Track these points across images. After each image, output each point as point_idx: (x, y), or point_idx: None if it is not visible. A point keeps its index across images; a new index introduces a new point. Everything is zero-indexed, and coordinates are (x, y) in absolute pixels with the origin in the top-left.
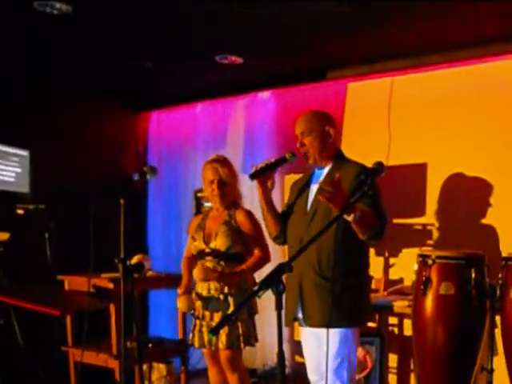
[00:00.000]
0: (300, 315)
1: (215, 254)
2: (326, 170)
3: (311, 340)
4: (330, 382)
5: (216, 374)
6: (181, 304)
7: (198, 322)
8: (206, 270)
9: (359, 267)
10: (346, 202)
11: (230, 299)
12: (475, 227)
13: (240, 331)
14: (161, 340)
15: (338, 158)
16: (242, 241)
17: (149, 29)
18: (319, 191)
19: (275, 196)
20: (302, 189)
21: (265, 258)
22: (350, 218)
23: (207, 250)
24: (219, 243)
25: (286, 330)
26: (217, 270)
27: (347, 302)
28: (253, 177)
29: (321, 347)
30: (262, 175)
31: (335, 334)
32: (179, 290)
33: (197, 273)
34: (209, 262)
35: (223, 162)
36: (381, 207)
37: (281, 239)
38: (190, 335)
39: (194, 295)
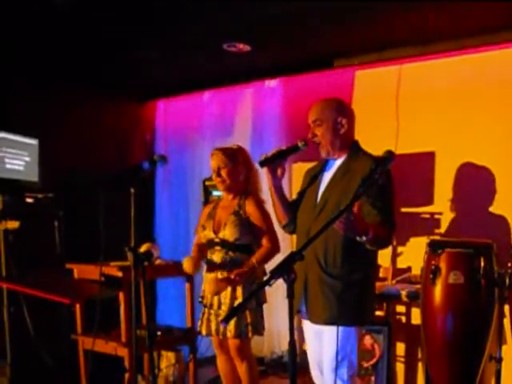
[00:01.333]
0: (303, 309)
1: (223, 244)
2: (339, 162)
3: (312, 335)
4: (330, 380)
5: (224, 362)
6: (185, 264)
7: (206, 310)
8: (216, 283)
9: (365, 265)
10: (362, 226)
11: (239, 289)
12: (484, 216)
13: (248, 320)
14: (169, 328)
15: (353, 150)
16: (251, 231)
17: (156, 17)
18: (339, 221)
19: (283, 184)
20: (313, 179)
21: (274, 249)
22: (363, 239)
23: (216, 240)
24: (228, 233)
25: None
26: (225, 279)
27: (351, 300)
28: (262, 164)
29: (321, 344)
30: (272, 163)
31: (334, 331)
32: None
33: (208, 287)
34: (216, 254)
35: (224, 149)
36: (391, 208)
37: (290, 228)
38: (199, 323)
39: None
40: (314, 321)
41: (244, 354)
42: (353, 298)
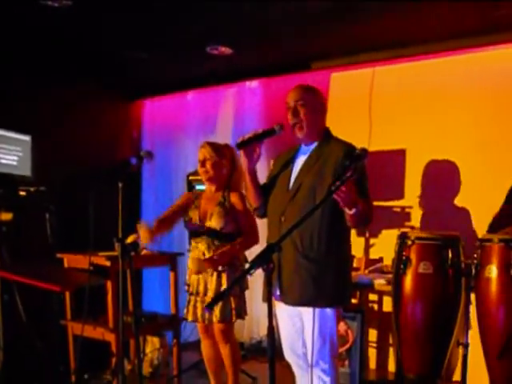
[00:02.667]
0: (277, 291)
1: (210, 233)
2: (311, 147)
3: (286, 318)
4: (311, 362)
5: (208, 346)
6: (142, 234)
7: (192, 297)
8: (199, 262)
9: (341, 247)
10: (353, 198)
11: (223, 276)
12: (451, 210)
13: (233, 305)
14: (154, 315)
15: (325, 136)
16: (235, 221)
17: (145, 21)
18: (336, 189)
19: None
20: (285, 166)
21: (253, 240)
22: (351, 211)
23: (201, 230)
24: (214, 223)
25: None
26: (208, 259)
27: (327, 282)
28: (239, 146)
29: (295, 326)
30: (249, 145)
31: (313, 313)
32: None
33: (191, 266)
34: (203, 243)
35: (213, 144)
36: (368, 194)
37: (260, 211)
38: (185, 310)
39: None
40: (290, 302)
41: (228, 338)
42: (329, 280)
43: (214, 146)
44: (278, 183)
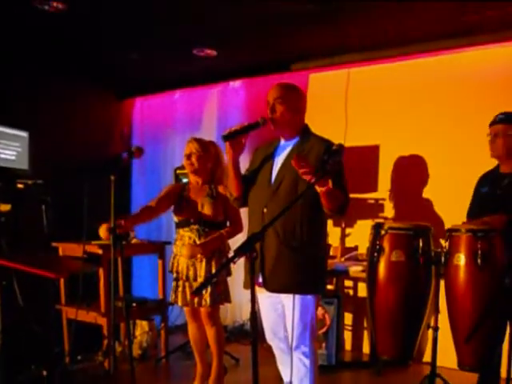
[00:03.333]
0: (260, 279)
1: (200, 221)
2: (292, 143)
3: (268, 304)
4: (293, 345)
5: (195, 329)
6: (101, 232)
7: (181, 283)
8: (192, 248)
9: (320, 238)
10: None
11: (213, 262)
12: (422, 202)
13: (221, 289)
14: (143, 300)
15: (304, 133)
16: (224, 212)
17: (135, 25)
18: (296, 159)
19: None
20: (265, 160)
21: (239, 229)
22: (322, 188)
23: (192, 220)
24: (207, 212)
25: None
26: (201, 244)
27: (308, 270)
28: (225, 138)
29: (276, 312)
30: (235, 138)
31: (296, 301)
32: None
33: (184, 252)
34: (193, 232)
35: (199, 140)
36: (345, 186)
37: (240, 201)
38: (172, 296)
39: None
40: (272, 290)
41: (214, 321)
42: (309, 269)
43: (200, 142)
44: (259, 177)
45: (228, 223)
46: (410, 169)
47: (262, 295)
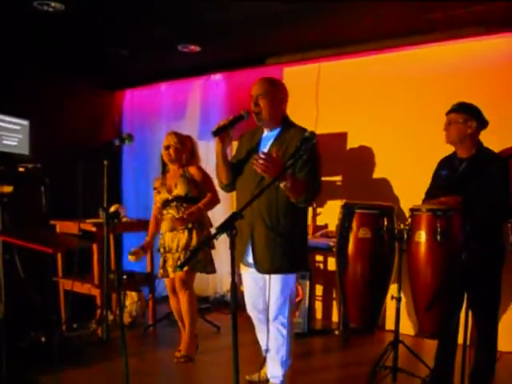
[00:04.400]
0: (251, 260)
1: (177, 199)
2: (274, 133)
3: (250, 280)
4: (272, 316)
5: (175, 302)
6: (130, 257)
7: (169, 255)
8: (171, 221)
9: (302, 225)
10: (280, 170)
11: (193, 233)
12: (387, 184)
13: (199, 258)
14: (133, 273)
15: (285, 123)
16: (196, 187)
17: (127, 24)
18: (253, 160)
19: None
20: (251, 150)
21: (215, 200)
22: (281, 184)
23: (170, 198)
24: (179, 190)
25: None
26: (178, 218)
27: (292, 252)
28: (215, 134)
29: (257, 287)
30: (223, 132)
31: (278, 279)
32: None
33: (164, 226)
34: (172, 209)
35: (176, 133)
36: (316, 174)
37: (229, 188)
38: (161, 271)
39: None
40: (262, 271)
41: (187, 286)
42: (294, 251)
43: (178, 136)
44: (246, 168)
45: (208, 194)
46: (376, 154)
47: (246, 271)
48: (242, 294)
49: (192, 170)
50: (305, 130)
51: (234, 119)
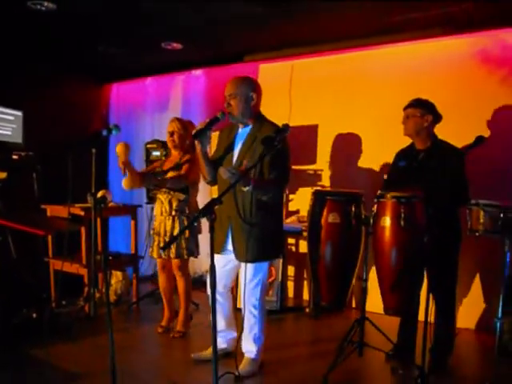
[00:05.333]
0: (230, 248)
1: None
2: (248, 130)
3: (222, 264)
4: (245, 298)
5: (165, 280)
6: (124, 182)
7: (156, 237)
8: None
9: (276, 215)
10: (246, 178)
11: (176, 220)
12: (354, 172)
13: (183, 245)
14: (118, 254)
15: (258, 119)
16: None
17: (114, 23)
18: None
19: None
20: (229, 146)
21: (183, 179)
22: (245, 189)
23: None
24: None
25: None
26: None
27: (266, 242)
28: (195, 137)
29: (225, 268)
30: (202, 134)
31: (252, 264)
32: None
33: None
34: (161, 194)
35: (180, 120)
36: (284, 167)
37: (213, 182)
38: (150, 249)
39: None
40: (241, 260)
41: (183, 272)
42: (268, 240)
43: (181, 122)
44: (224, 162)
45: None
46: (344, 144)
47: (219, 256)
48: (207, 273)
49: (184, 158)
50: (276, 125)
51: (210, 122)
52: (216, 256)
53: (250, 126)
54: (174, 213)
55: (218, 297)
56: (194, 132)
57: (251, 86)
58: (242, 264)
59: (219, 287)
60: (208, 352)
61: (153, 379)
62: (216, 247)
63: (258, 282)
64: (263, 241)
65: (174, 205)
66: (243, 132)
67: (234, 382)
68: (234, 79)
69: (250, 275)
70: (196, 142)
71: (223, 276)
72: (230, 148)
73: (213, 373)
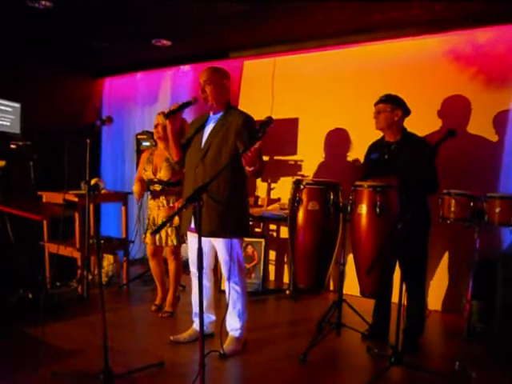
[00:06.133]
0: (192, 225)
1: (160, 182)
2: (218, 116)
3: (194, 242)
4: (225, 277)
5: (155, 264)
6: (135, 189)
7: (150, 227)
8: (168, 210)
9: (240, 192)
10: (255, 161)
11: (163, 211)
12: (333, 163)
13: (174, 233)
14: (109, 238)
15: (228, 107)
16: (178, 172)
17: (107, 21)
18: (244, 151)
19: None
20: (198, 130)
21: None
22: (250, 169)
23: (155, 180)
24: (162, 175)
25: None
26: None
27: (231, 218)
28: (167, 116)
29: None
30: (173, 115)
31: (221, 242)
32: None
33: (162, 214)
34: (157, 186)
35: (162, 113)
36: (261, 155)
37: (181, 164)
38: (143, 235)
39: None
40: (204, 234)
41: (175, 256)
42: (232, 217)
43: (168, 117)
44: (192, 144)
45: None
46: (323, 136)
47: (192, 237)
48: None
49: None
50: (244, 113)
51: (183, 104)
52: (190, 238)
53: (221, 113)
54: (171, 204)
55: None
56: (166, 111)
57: (225, 75)
58: (216, 244)
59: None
60: (186, 334)
61: (142, 356)
62: (183, 226)
63: (234, 260)
64: (228, 218)
65: (171, 200)
66: (213, 118)
67: (219, 360)
68: (209, 68)
69: (224, 255)
70: (167, 121)
71: (204, 258)
72: (200, 131)
73: (200, 350)
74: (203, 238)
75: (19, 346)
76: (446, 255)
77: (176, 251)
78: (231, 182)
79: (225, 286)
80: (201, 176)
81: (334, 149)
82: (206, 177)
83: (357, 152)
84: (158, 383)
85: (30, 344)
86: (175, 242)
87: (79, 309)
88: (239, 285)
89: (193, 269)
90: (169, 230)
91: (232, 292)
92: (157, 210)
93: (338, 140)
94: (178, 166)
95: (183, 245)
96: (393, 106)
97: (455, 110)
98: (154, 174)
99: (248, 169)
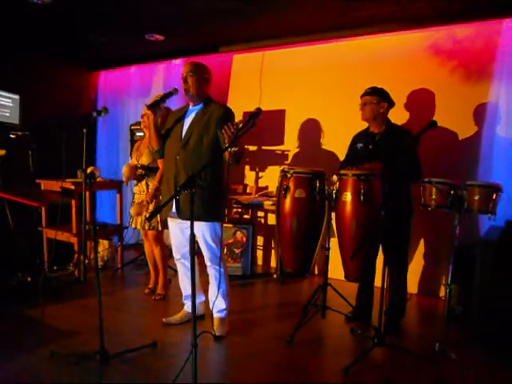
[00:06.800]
0: (174, 210)
1: (142, 167)
2: (197, 108)
3: (177, 230)
4: (208, 260)
5: (148, 246)
6: (124, 170)
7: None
8: (140, 206)
9: (221, 180)
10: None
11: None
12: (319, 152)
13: (158, 219)
14: (105, 224)
15: (208, 100)
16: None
17: (103, 17)
18: (225, 128)
19: None
20: (178, 120)
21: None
22: (233, 149)
23: (138, 165)
24: (144, 160)
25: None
26: (145, 203)
27: (212, 203)
28: (150, 107)
29: (184, 236)
30: (156, 105)
31: (205, 226)
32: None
33: (134, 211)
34: (140, 171)
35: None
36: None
37: (160, 153)
38: (131, 220)
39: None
40: (183, 218)
41: (157, 241)
42: (212, 202)
43: (151, 108)
44: (172, 134)
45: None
46: (309, 127)
47: (173, 222)
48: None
49: None
50: (223, 105)
51: (165, 95)
52: (171, 224)
53: (201, 105)
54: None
55: (184, 262)
56: (149, 102)
57: (207, 71)
58: (199, 228)
59: (184, 252)
60: (177, 316)
61: (136, 337)
62: (165, 211)
63: (216, 243)
64: (206, 202)
65: (150, 186)
66: (193, 109)
67: (209, 341)
68: (193, 62)
69: (205, 238)
70: (149, 111)
71: (185, 243)
72: (179, 122)
73: (192, 331)
74: (185, 223)
75: (19, 327)
76: (426, 241)
77: (157, 236)
78: (212, 169)
79: (207, 269)
80: (182, 163)
81: (319, 139)
82: (186, 164)
83: (342, 142)
84: (151, 363)
85: (30, 325)
86: (159, 227)
87: (76, 291)
88: (222, 266)
89: (176, 255)
90: (146, 214)
91: (215, 273)
92: (139, 194)
93: (323, 131)
94: (157, 155)
95: (165, 230)
96: (379, 98)
97: (436, 101)
98: (138, 160)
99: (233, 149)
